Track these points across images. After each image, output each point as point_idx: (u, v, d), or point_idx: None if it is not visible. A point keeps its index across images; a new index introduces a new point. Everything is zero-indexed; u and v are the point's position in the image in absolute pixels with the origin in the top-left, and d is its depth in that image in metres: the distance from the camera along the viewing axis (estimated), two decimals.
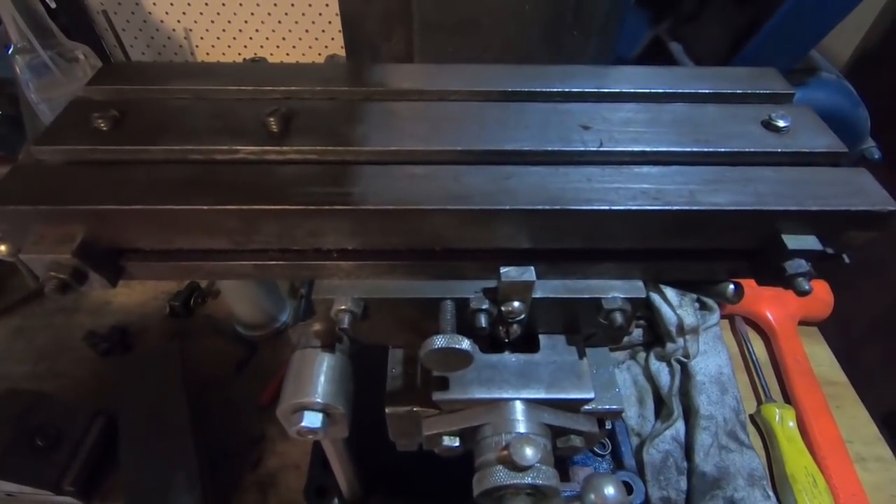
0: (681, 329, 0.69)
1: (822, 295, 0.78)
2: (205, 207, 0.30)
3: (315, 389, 0.34)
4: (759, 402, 0.71)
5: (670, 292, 0.70)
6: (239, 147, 0.34)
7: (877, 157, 0.65)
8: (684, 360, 0.69)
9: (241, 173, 0.33)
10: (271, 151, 0.34)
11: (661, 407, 0.69)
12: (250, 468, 0.65)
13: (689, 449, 0.64)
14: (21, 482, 0.59)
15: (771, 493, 0.60)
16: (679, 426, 0.66)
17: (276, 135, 0.35)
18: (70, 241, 0.30)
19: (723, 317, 0.77)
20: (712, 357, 0.70)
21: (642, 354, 0.73)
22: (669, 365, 0.70)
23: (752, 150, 0.34)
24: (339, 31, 1.07)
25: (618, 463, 0.61)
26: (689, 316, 0.69)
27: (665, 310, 0.70)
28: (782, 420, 0.67)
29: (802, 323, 0.79)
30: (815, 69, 0.67)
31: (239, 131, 0.35)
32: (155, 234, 0.32)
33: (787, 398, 0.71)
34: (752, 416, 0.70)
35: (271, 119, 0.34)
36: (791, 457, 0.63)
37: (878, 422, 0.71)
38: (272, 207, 0.31)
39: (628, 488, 0.59)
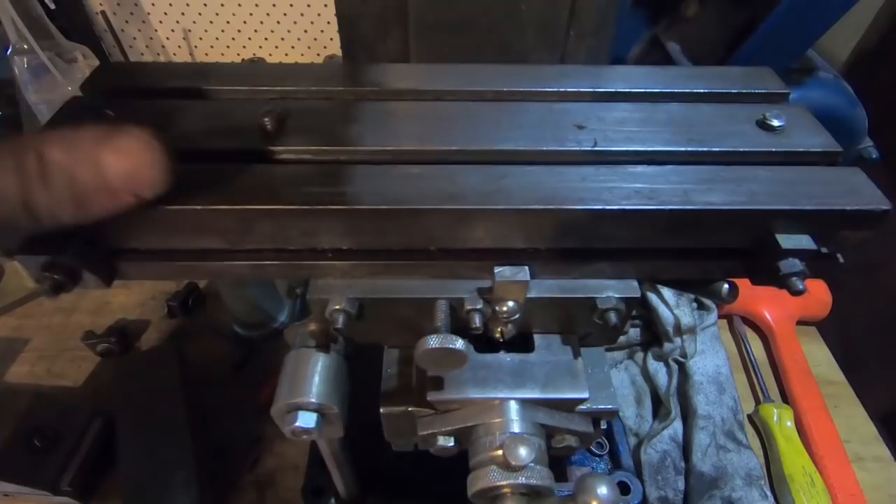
0: (678, 329, 0.69)
1: (820, 294, 0.78)
2: (198, 207, 0.30)
3: (309, 389, 0.34)
4: (757, 402, 0.71)
5: (667, 292, 0.70)
6: (233, 147, 0.34)
7: (875, 156, 0.65)
8: (682, 360, 0.69)
9: (234, 173, 0.33)
10: (265, 151, 0.34)
11: (658, 407, 0.69)
12: (248, 468, 0.65)
13: (686, 449, 0.64)
14: (18, 482, 0.59)
15: (769, 493, 0.60)
16: (677, 426, 0.66)
17: (271, 134, 0.35)
18: (64, 242, 0.30)
19: (721, 317, 0.77)
20: (710, 357, 0.70)
21: (640, 354, 0.73)
22: (667, 365, 0.70)
23: (746, 149, 0.34)
24: (338, 32, 1.07)
25: (616, 463, 0.61)
26: (687, 316, 0.69)
27: (662, 310, 0.70)
28: (780, 420, 0.67)
29: (801, 323, 0.78)
30: (813, 69, 0.67)
31: (234, 131, 0.35)
32: (149, 234, 0.32)
33: (785, 398, 0.71)
34: (749, 416, 0.70)
35: (266, 119, 0.34)
36: (789, 457, 0.63)
37: (876, 421, 0.71)
38: (266, 207, 0.31)
39: (626, 488, 0.59)
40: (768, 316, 0.77)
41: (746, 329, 0.79)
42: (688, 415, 0.67)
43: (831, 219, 0.31)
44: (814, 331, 0.80)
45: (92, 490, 0.63)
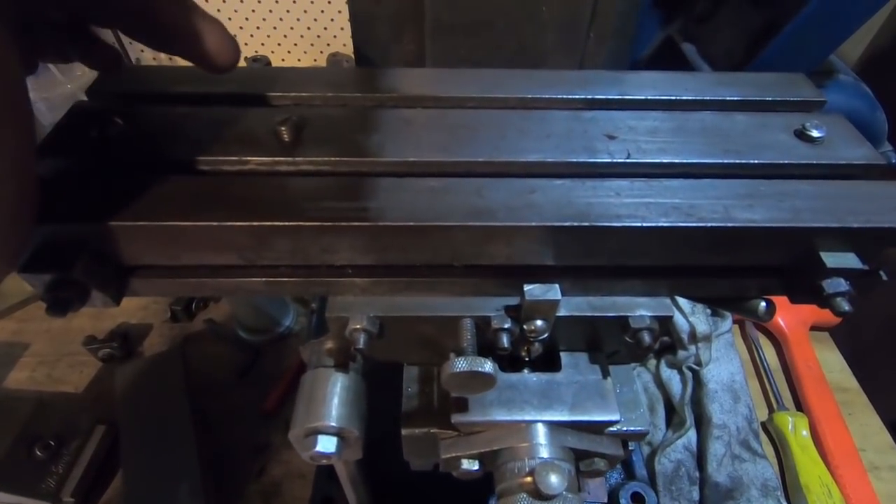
0: (693, 336, 0.68)
1: None
2: (214, 224, 0.29)
3: (329, 412, 0.33)
4: (771, 410, 0.70)
5: (682, 300, 0.69)
6: (249, 157, 0.32)
7: (894, 161, 0.64)
8: (696, 367, 0.68)
9: (251, 186, 0.31)
10: (283, 162, 0.32)
11: (672, 415, 0.68)
12: (254, 477, 0.64)
13: (701, 458, 0.63)
14: (19, 493, 0.58)
15: None
16: (691, 435, 0.65)
17: (288, 144, 0.33)
18: (71, 258, 0.29)
19: (734, 323, 0.76)
20: (724, 364, 0.69)
21: (653, 362, 0.72)
22: (681, 373, 0.69)
23: (785, 161, 0.33)
24: (341, 30, 1.05)
25: (629, 473, 0.60)
26: (702, 323, 0.68)
27: (677, 317, 0.68)
28: (795, 428, 0.66)
29: (814, 328, 0.77)
30: (833, 71, 0.65)
31: (248, 140, 0.33)
32: (160, 251, 0.31)
33: (799, 405, 0.71)
34: (763, 425, 0.69)
35: (283, 128, 0.33)
36: (805, 466, 0.62)
37: (890, 428, 0.70)
38: (285, 224, 0.29)
39: (640, 499, 0.58)
40: (782, 322, 0.76)
41: (759, 335, 0.78)
42: (702, 423, 0.66)
43: (880, 236, 0.29)
44: (827, 337, 0.79)
45: (94, 500, 0.61)
